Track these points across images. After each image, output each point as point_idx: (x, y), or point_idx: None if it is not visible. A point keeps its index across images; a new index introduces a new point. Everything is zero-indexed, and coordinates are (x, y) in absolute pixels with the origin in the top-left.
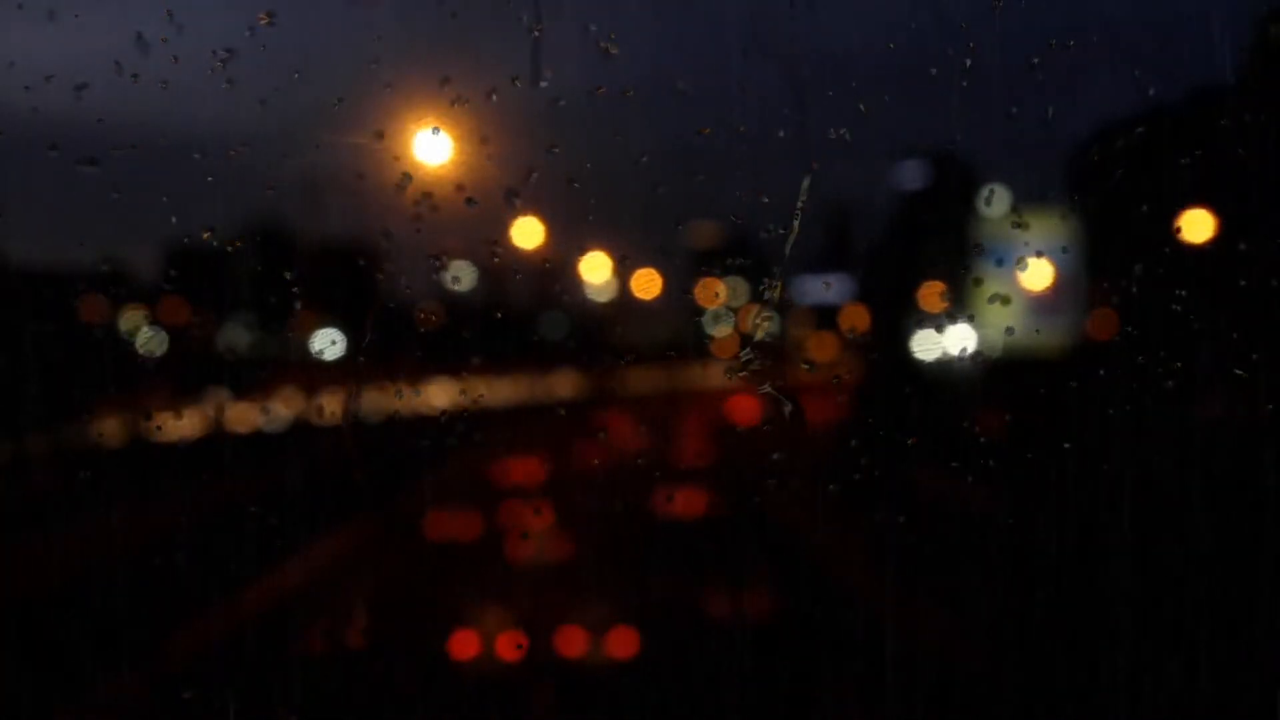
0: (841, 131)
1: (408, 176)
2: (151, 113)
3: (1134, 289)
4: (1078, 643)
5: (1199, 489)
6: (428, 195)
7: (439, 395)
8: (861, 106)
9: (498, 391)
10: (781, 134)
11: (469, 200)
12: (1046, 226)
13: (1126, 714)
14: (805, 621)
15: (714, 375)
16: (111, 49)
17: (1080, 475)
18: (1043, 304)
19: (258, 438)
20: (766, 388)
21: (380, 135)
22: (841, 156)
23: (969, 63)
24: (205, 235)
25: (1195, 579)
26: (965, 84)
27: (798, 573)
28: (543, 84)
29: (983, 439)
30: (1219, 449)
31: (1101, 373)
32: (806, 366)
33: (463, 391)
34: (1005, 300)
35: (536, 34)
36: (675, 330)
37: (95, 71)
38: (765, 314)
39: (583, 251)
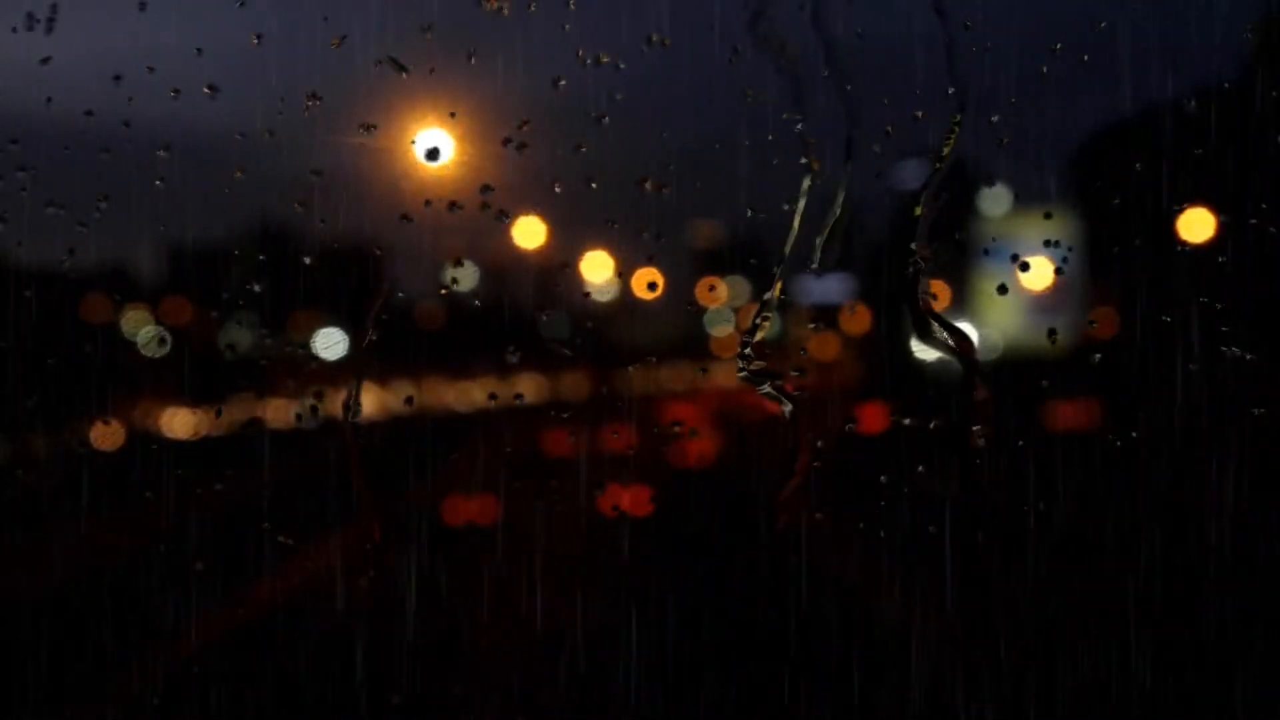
0: (842, 132)
1: (409, 176)
2: (154, 113)
3: (1134, 288)
4: (1078, 641)
5: (1199, 487)
6: (431, 196)
7: (442, 395)
8: (862, 106)
9: (498, 392)
10: (782, 134)
11: (469, 199)
12: (1046, 226)
13: (1128, 714)
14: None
15: (716, 375)
16: (114, 51)
17: (1081, 475)
18: (1042, 303)
19: (259, 438)
20: (765, 388)
21: (382, 135)
22: (842, 156)
23: (970, 63)
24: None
25: (1197, 576)
26: (965, 84)
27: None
28: (546, 84)
29: (984, 438)
30: (1218, 447)
31: (1101, 372)
32: (797, 373)
33: (461, 393)
34: (1003, 289)
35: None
36: (676, 330)
37: (98, 73)
38: (765, 314)
39: (584, 251)
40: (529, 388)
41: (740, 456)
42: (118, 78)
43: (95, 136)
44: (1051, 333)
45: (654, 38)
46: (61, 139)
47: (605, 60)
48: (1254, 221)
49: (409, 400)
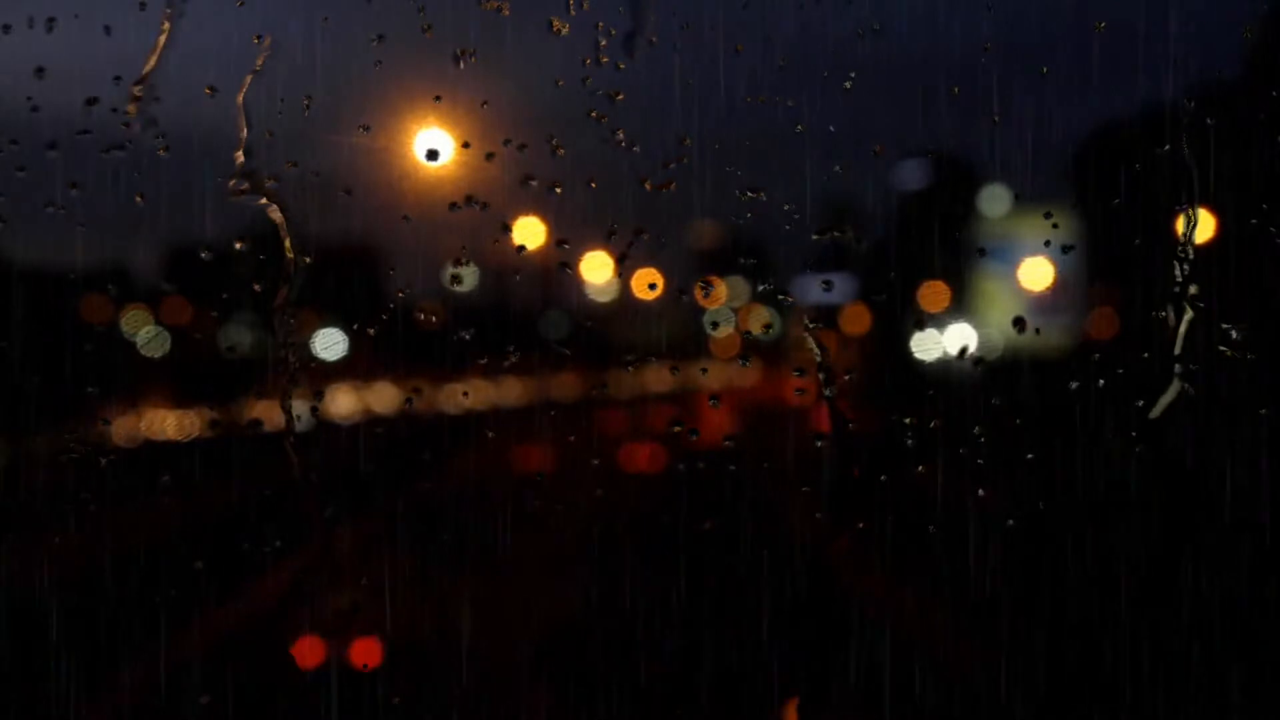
0: (842, 131)
1: (409, 176)
2: (155, 113)
3: (1134, 288)
4: (1078, 642)
5: (1199, 487)
6: (431, 196)
7: (445, 397)
8: (861, 106)
9: (497, 393)
10: (783, 134)
11: (469, 200)
12: (1047, 227)
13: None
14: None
15: (715, 375)
16: (112, 49)
17: (1081, 474)
18: (1042, 303)
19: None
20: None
21: (382, 135)
22: (842, 157)
23: (970, 63)
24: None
25: (1196, 578)
26: (966, 84)
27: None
28: (546, 84)
29: (983, 439)
30: (1219, 447)
31: (1101, 372)
32: (797, 373)
33: (464, 393)
34: (1000, 297)
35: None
36: (676, 330)
37: (96, 72)
38: (765, 314)
39: (584, 251)
40: (530, 387)
41: (733, 446)
42: (118, 78)
43: (96, 137)
44: (1049, 333)
45: (654, 39)
46: (62, 139)
47: (605, 60)
48: (1254, 221)
49: (408, 401)
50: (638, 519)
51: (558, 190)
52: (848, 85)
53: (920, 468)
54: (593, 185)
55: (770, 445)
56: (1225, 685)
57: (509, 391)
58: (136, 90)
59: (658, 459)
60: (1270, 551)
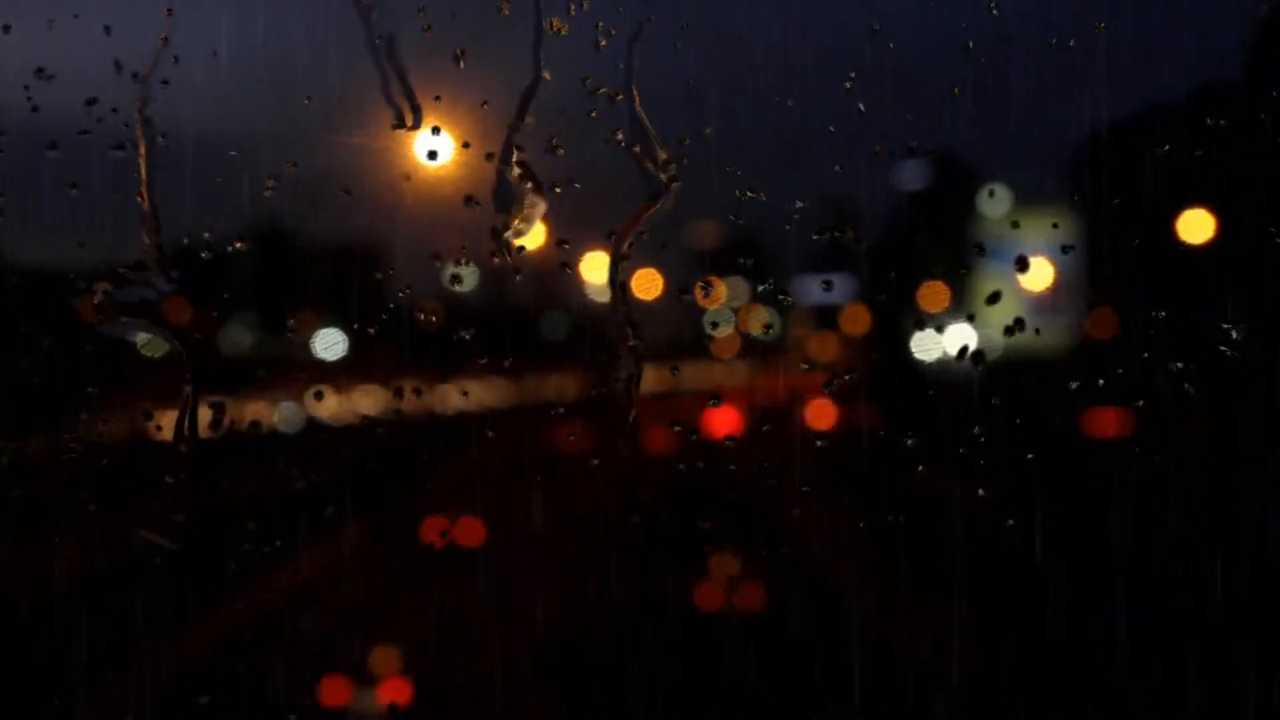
0: (842, 131)
1: (409, 176)
2: (155, 113)
3: (1134, 289)
4: (1077, 643)
5: (1199, 488)
6: (431, 196)
7: (442, 399)
8: (861, 106)
9: (495, 393)
10: (783, 134)
11: (469, 200)
12: (1046, 226)
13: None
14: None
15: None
16: (111, 48)
17: (1081, 475)
18: (1043, 304)
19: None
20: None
21: (383, 135)
22: (842, 157)
23: (969, 63)
24: (206, 235)
25: (1195, 579)
26: (965, 84)
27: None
28: (544, 82)
29: (983, 439)
30: (1218, 448)
31: (1101, 372)
32: (806, 367)
33: (464, 394)
34: (994, 298)
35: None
36: (676, 330)
37: (95, 71)
38: (765, 314)
39: (584, 251)
40: (529, 387)
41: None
42: (118, 73)
43: (97, 136)
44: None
45: (654, 38)
46: (62, 139)
47: (605, 58)
48: (1254, 221)
49: (413, 402)
50: (632, 516)
51: (558, 190)
52: (848, 85)
53: (920, 468)
54: (593, 185)
55: (770, 444)
56: (1224, 684)
57: (507, 392)
58: (137, 90)
59: (657, 456)
60: (1269, 552)
